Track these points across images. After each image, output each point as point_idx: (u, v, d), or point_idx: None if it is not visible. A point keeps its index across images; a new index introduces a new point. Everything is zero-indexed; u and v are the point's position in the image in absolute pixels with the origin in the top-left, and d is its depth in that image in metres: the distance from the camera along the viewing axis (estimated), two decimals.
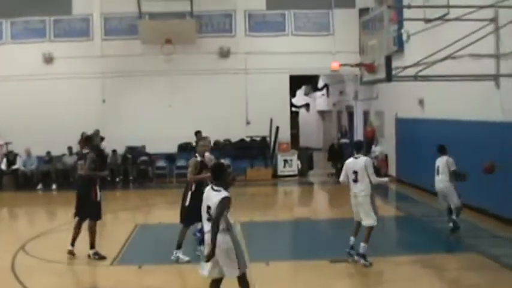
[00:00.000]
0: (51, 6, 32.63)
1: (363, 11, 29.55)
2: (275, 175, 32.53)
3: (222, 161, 15.87)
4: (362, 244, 14.91)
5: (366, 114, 35.22)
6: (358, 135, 35.93)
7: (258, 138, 33.12)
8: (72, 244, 15.73)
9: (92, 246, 15.50)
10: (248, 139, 33.13)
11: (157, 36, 31.47)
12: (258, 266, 14.21)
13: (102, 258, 15.39)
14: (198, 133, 21.85)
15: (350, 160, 15.58)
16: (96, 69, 32.55)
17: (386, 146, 30.97)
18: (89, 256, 15.42)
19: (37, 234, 18.63)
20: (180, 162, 31.51)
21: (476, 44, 17.63)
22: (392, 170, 30.32)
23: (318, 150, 43.36)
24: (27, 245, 17.11)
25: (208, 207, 10.31)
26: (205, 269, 10.46)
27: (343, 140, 36.21)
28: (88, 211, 15.52)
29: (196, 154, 15.35)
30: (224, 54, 33.46)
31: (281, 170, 32.98)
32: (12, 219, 19.79)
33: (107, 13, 33.10)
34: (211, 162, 14.98)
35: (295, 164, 33.10)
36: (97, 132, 29.88)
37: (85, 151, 16.27)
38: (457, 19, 19.27)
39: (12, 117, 31.06)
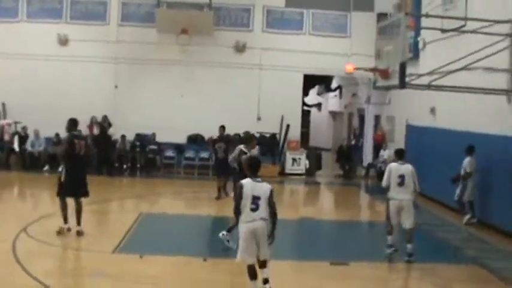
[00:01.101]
0: None
1: (381, 16, 29.56)
2: (282, 173, 32.54)
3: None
4: (409, 246, 15.50)
5: (377, 118, 35.21)
6: (369, 138, 35.94)
7: (268, 135, 33.13)
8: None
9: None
10: (258, 135, 33.12)
11: (173, 25, 31.51)
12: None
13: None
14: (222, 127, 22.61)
15: (395, 164, 15.93)
16: (110, 54, 32.60)
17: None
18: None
19: (40, 217, 18.61)
20: (189, 154, 31.66)
21: (491, 58, 17.60)
22: None
23: (327, 151, 43.43)
24: (29, 227, 17.10)
25: (256, 197, 11.33)
26: (247, 254, 11.52)
27: (353, 142, 36.26)
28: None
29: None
30: (240, 48, 33.46)
31: (289, 168, 32.99)
32: (17, 200, 19.82)
33: None
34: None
35: (303, 163, 33.10)
36: (105, 117, 30.02)
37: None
38: (473, 31, 19.23)
39: (23, 96, 31.15)
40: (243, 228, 11.48)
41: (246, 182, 11.50)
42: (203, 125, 30.97)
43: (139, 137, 32.08)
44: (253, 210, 11.34)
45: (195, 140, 32.45)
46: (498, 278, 14.39)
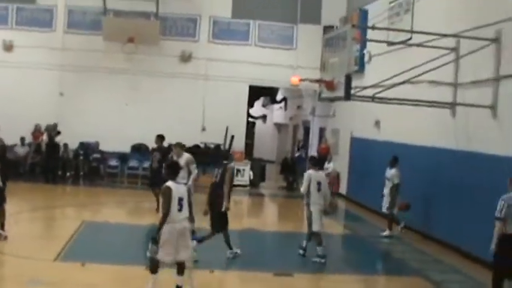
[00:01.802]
0: None
1: (328, 29, 29.80)
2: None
3: None
4: (319, 248, 16.31)
5: (322, 130, 35.35)
6: (313, 150, 36.07)
7: (212, 146, 33.06)
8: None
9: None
10: (202, 145, 33.06)
11: (120, 34, 31.29)
12: (202, 274, 14.19)
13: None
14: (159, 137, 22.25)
15: (313, 172, 16.64)
16: (56, 61, 32.22)
17: (340, 163, 31.11)
18: None
19: None
20: (133, 163, 31.41)
21: (436, 71, 17.83)
22: (343, 188, 30.48)
23: (271, 163, 43.45)
24: None
25: (180, 199, 11.84)
26: (167, 254, 11.81)
27: (297, 154, 36.34)
28: None
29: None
30: (185, 58, 33.37)
31: None
32: None
33: (71, 5, 32.74)
34: None
35: (248, 174, 33.07)
36: (54, 125, 29.65)
37: None
38: (419, 45, 19.47)
39: None
40: (169, 228, 11.76)
41: (171, 184, 11.94)
42: (147, 135, 30.63)
43: (83, 145, 31.76)
44: (179, 210, 11.83)
45: (139, 149, 32.23)
46: None
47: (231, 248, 16.17)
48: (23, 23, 32.59)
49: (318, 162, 18.11)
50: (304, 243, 16.81)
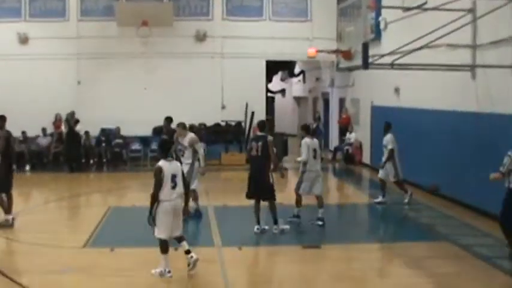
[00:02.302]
0: None
1: None
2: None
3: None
4: (321, 210, 17.45)
5: (341, 101, 35.24)
6: (334, 121, 35.98)
7: (233, 123, 33.08)
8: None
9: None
10: (223, 123, 33.09)
11: (133, 18, 31.22)
12: (230, 251, 14.26)
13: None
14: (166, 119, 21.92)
15: (309, 140, 17.44)
16: (72, 50, 32.32)
17: (362, 133, 31.03)
18: None
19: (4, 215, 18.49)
20: (155, 146, 31.37)
21: (453, 34, 17.65)
22: (366, 157, 30.41)
23: (293, 136, 43.35)
24: None
25: (174, 176, 12.32)
26: (165, 231, 12.38)
27: (314, 125, 36.22)
28: None
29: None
30: (200, 37, 33.32)
31: None
32: None
33: None
34: None
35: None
36: (72, 113, 29.70)
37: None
38: (435, 8, 19.28)
39: None
40: (165, 206, 12.24)
41: (163, 163, 12.35)
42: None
43: (104, 131, 31.85)
44: (173, 188, 12.26)
45: (160, 131, 32.21)
46: (470, 253, 14.46)
47: (276, 223, 16.61)
48: (36, 14, 32.69)
49: (310, 130, 18.98)
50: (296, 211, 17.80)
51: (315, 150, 17.26)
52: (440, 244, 15.44)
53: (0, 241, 15.56)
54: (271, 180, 16.26)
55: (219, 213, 19.05)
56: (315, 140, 17.76)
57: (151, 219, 12.22)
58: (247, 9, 33.68)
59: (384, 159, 20.75)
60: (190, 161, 17.81)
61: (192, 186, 17.77)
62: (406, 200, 20.53)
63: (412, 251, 14.83)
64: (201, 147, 18.32)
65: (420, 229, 17.57)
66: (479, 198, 18.39)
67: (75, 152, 29.40)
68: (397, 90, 25.83)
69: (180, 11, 33.05)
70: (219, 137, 32.56)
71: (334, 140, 35.84)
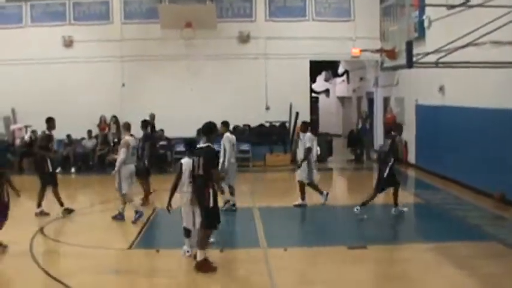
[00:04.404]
0: None
1: None
2: (294, 161, 32.43)
3: None
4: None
5: (386, 100, 35.04)
6: (379, 121, 35.80)
7: (278, 124, 33.08)
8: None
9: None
10: (267, 124, 33.10)
11: (177, 20, 31.33)
12: (275, 252, 14.25)
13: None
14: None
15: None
16: (116, 52, 32.63)
17: (406, 132, 30.80)
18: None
19: (55, 218, 18.78)
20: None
21: (497, 31, 17.47)
22: (412, 157, 30.19)
23: (338, 137, 43.29)
24: (46, 227, 17.23)
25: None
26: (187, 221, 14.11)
27: (360, 125, 36.07)
28: None
29: None
30: (244, 39, 33.41)
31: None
32: (31, 203, 19.86)
33: None
34: None
35: (315, 150, 32.91)
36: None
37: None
38: (479, 5, 19.09)
39: (31, 100, 31.19)
40: (179, 196, 13.99)
41: (183, 160, 14.20)
42: (212, 118, 30.68)
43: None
44: (191, 182, 13.62)
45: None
46: None
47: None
48: (81, 18, 33.14)
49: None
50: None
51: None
52: (488, 244, 15.28)
53: (49, 244, 15.78)
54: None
55: (263, 214, 19.06)
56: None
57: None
58: (290, 10, 33.65)
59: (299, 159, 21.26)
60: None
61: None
62: (323, 200, 20.70)
63: (460, 251, 14.70)
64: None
65: (468, 229, 17.39)
66: None
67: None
68: (441, 88, 25.63)
69: (223, 13, 33.15)
70: (263, 138, 32.57)
71: (379, 139, 35.63)
